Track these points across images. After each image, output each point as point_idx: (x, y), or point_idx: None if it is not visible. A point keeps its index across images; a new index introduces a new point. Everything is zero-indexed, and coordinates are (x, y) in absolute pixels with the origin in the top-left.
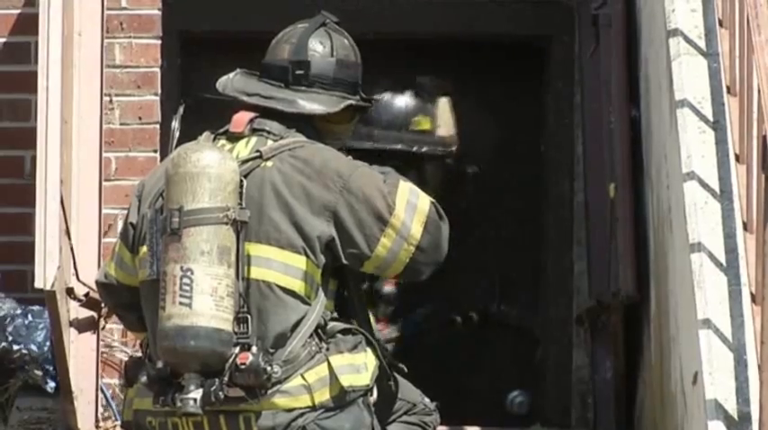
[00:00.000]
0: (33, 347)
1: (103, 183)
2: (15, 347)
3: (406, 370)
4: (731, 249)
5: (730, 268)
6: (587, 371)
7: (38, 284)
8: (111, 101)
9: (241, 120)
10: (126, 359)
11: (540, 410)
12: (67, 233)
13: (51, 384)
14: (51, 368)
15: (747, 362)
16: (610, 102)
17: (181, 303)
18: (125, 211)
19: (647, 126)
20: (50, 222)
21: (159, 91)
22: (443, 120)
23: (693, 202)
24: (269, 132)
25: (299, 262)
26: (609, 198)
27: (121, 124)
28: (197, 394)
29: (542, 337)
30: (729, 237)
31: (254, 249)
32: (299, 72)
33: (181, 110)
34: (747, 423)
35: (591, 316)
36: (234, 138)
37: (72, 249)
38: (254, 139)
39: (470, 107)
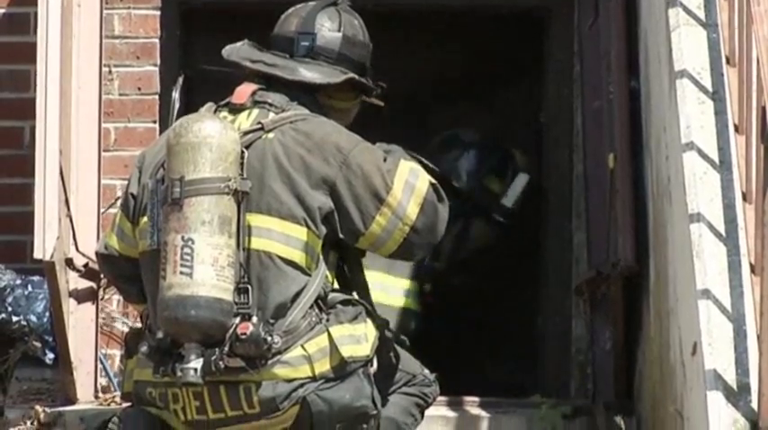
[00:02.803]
0: (33, 318)
1: (102, 154)
2: (15, 318)
3: (407, 342)
4: (730, 220)
5: (729, 238)
6: (586, 341)
7: (37, 255)
8: (110, 71)
9: (243, 92)
10: (125, 330)
11: (539, 381)
12: (66, 204)
13: (50, 355)
14: (50, 339)
15: (747, 332)
16: (609, 73)
17: (182, 273)
18: (124, 182)
19: (647, 97)
20: (49, 193)
21: (158, 62)
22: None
23: (693, 173)
24: (271, 105)
25: (300, 232)
26: (608, 169)
27: (120, 95)
28: (197, 364)
29: (542, 308)
30: (729, 207)
31: (255, 220)
32: (304, 43)
33: (180, 81)
34: (746, 393)
35: (590, 287)
36: (235, 110)
37: (71, 220)
38: (255, 111)
39: (470, 79)
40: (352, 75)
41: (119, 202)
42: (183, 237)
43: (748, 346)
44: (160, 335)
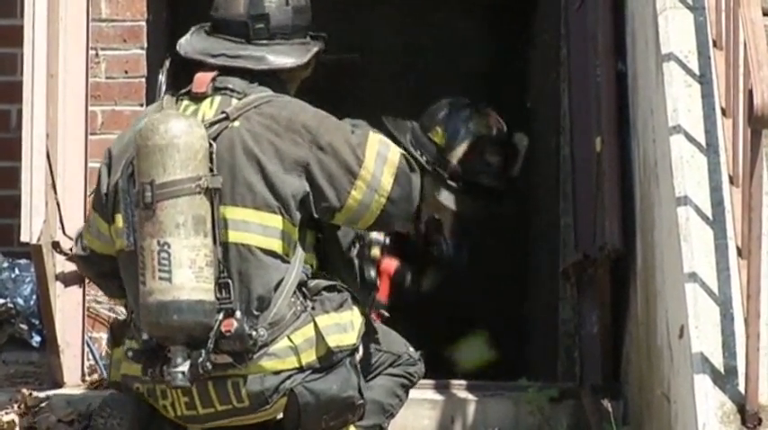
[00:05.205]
0: (20, 301)
1: (89, 137)
2: (1, 301)
3: (387, 314)
4: (717, 203)
5: (716, 222)
6: (573, 325)
7: (24, 238)
8: (97, 54)
9: (203, 80)
10: (112, 314)
11: (526, 364)
12: (53, 187)
13: (37, 338)
14: (37, 322)
15: (734, 315)
16: (596, 56)
17: (161, 278)
18: None
19: (634, 80)
20: (36, 176)
21: (145, 44)
22: (457, 149)
23: (680, 156)
24: (232, 90)
25: (276, 221)
26: (595, 152)
27: (107, 78)
28: (185, 367)
29: (529, 291)
30: (716, 190)
31: (231, 212)
32: (259, 26)
33: (167, 63)
34: (733, 376)
35: (577, 270)
36: (197, 98)
37: (58, 203)
38: (218, 99)
39: (456, 60)
40: (316, 48)
41: (90, 200)
42: (158, 242)
43: (735, 330)
44: (145, 336)
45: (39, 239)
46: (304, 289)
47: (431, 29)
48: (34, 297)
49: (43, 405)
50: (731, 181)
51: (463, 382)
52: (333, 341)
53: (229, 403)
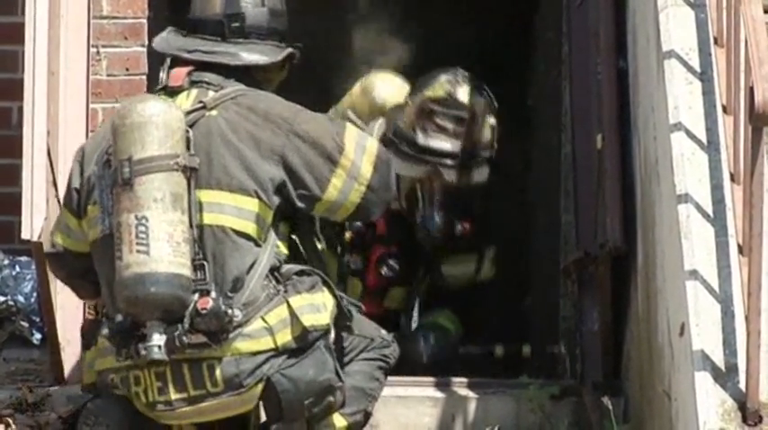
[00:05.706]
0: (20, 298)
1: (90, 135)
2: (2, 298)
3: (363, 307)
4: (718, 200)
5: (717, 219)
6: (574, 322)
7: (25, 235)
8: (98, 52)
9: (179, 74)
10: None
11: (526, 361)
12: (54, 184)
13: (38, 336)
14: (38, 319)
15: (734, 313)
16: (597, 53)
17: (138, 251)
18: None
19: (635, 77)
20: (37, 174)
21: (146, 42)
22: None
23: (681, 153)
24: (208, 83)
25: (252, 204)
26: (596, 149)
27: (108, 75)
28: (161, 341)
29: (530, 289)
30: (716, 188)
31: (206, 195)
32: (234, 25)
33: (168, 61)
34: (734, 374)
35: (578, 267)
36: (173, 92)
37: (59, 200)
38: (194, 91)
39: (458, 59)
40: (289, 50)
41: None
42: (136, 216)
43: (736, 327)
44: (119, 318)
45: (39, 237)
46: (276, 273)
47: (431, 27)
48: (35, 294)
49: (44, 402)
50: (732, 178)
51: (464, 380)
52: (307, 320)
53: (203, 387)
